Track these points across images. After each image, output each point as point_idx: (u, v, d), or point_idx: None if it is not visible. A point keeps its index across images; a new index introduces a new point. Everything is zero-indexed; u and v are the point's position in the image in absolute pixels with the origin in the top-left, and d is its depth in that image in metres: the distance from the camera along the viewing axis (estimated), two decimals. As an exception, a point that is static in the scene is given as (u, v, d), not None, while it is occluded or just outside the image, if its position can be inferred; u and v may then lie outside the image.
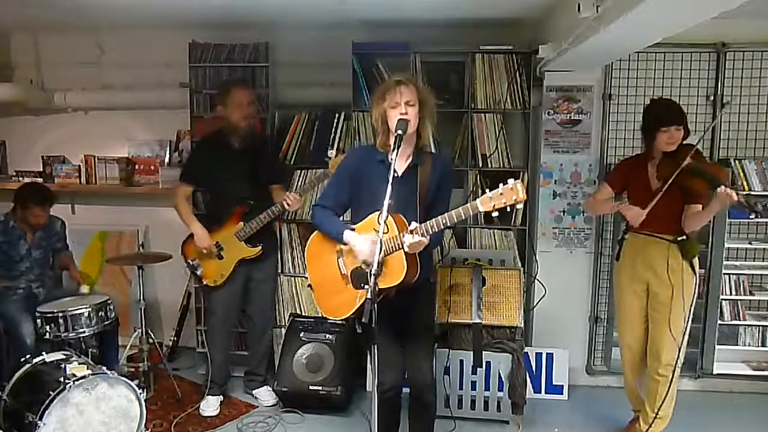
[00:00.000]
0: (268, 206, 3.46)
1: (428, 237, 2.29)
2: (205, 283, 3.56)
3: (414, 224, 2.29)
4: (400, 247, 2.32)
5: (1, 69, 4.48)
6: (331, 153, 3.49)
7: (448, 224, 2.29)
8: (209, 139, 3.64)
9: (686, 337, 2.96)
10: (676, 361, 2.95)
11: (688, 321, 2.94)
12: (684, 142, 2.90)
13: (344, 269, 2.53)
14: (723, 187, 2.65)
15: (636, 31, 2.51)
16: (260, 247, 3.53)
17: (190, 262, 3.55)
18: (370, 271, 2.09)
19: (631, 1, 2.09)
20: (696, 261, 2.96)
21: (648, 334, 3.10)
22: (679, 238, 2.93)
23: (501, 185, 2.18)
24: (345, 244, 2.49)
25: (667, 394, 2.97)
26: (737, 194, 2.61)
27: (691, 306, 2.94)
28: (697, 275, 2.95)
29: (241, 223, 3.48)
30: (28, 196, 3.63)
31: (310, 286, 2.68)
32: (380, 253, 2.16)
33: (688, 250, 2.93)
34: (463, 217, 2.27)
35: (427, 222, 2.30)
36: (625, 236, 3.16)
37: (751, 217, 2.67)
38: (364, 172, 2.55)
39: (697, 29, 2.44)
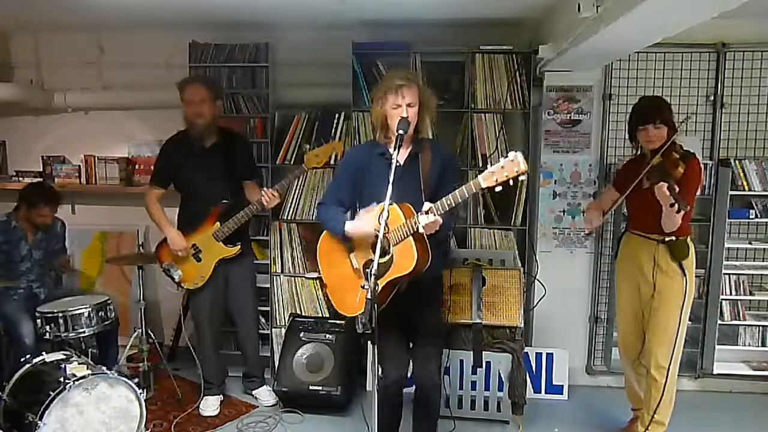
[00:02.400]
0: (244, 205, 3.40)
1: (441, 218, 2.30)
2: (185, 286, 3.50)
3: (428, 204, 2.29)
4: (409, 234, 2.33)
5: (1, 69, 4.48)
6: (306, 147, 3.44)
7: (453, 204, 2.29)
8: (175, 140, 3.56)
9: (678, 341, 2.90)
10: (669, 366, 2.90)
11: (680, 325, 2.89)
12: (675, 141, 2.86)
13: (356, 264, 2.54)
14: (661, 183, 2.64)
15: (636, 31, 2.51)
16: (239, 247, 3.47)
17: (165, 267, 3.46)
18: (371, 270, 2.09)
19: (631, 1, 2.09)
20: (689, 263, 2.90)
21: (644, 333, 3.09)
22: (667, 239, 2.89)
23: (501, 158, 2.18)
24: (349, 238, 2.51)
25: (661, 398, 2.92)
26: (667, 189, 2.61)
27: (682, 309, 2.88)
28: (689, 277, 2.88)
29: (218, 223, 3.41)
30: (38, 195, 3.64)
31: (324, 285, 2.68)
32: (387, 248, 2.18)
33: (678, 251, 2.88)
34: (467, 196, 2.28)
35: (437, 202, 2.31)
36: (623, 235, 3.17)
37: (674, 208, 2.64)
38: (366, 167, 2.58)
39: (697, 29, 2.44)
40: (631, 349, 3.19)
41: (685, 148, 2.89)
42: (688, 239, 2.93)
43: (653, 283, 2.94)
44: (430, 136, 3.60)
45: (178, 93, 3.44)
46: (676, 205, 2.59)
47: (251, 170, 3.66)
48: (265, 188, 3.35)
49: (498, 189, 2.20)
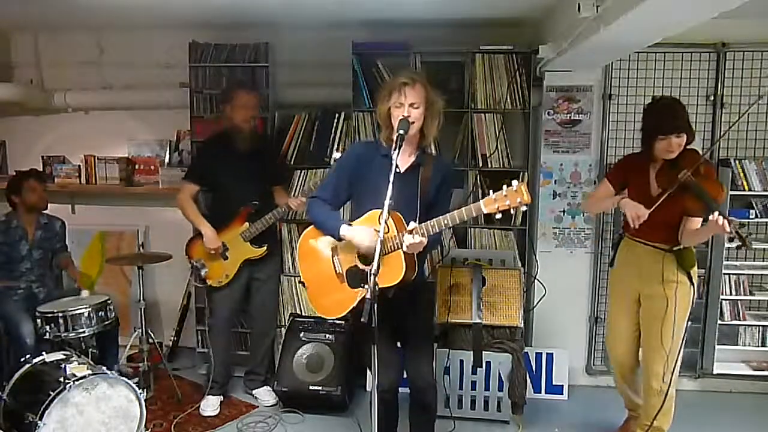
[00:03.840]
0: (272, 207, 3.49)
1: (427, 238, 2.28)
2: (209, 283, 3.55)
3: (413, 224, 2.27)
4: (399, 246, 2.31)
5: (1, 69, 4.48)
6: (337, 155, 3.48)
7: (450, 225, 2.27)
8: (214, 139, 3.64)
9: (681, 351, 2.82)
10: (672, 376, 2.81)
11: (685, 334, 2.80)
12: (688, 147, 2.73)
13: (339, 268, 2.51)
14: (718, 215, 2.46)
15: (636, 31, 2.51)
16: (265, 248, 3.54)
17: (195, 263, 3.54)
18: (370, 270, 2.07)
19: (631, 1, 2.09)
20: (695, 271, 2.83)
21: (639, 344, 3.01)
22: (675, 248, 2.79)
23: (505, 187, 2.15)
24: (341, 239, 2.46)
25: (661, 407, 2.84)
26: (730, 225, 2.44)
27: (686, 319, 2.80)
28: (695, 286, 2.81)
29: (247, 223, 3.49)
30: (19, 177, 3.70)
31: (302, 283, 2.62)
32: (380, 254, 2.13)
33: (687, 260, 2.78)
34: (465, 218, 2.26)
35: (428, 222, 2.29)
36: (620, 241, 3.05)
37: (738, 244, 2.49)
38: (366, 167, 2.53)
39: (697, 29, 2.44)
40: (626, 364, 3.09)
41: (700, 153, 2.76)
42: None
43: (662, 293, 2.81)
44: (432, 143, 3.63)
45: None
46: (742, 243, 2.44)
47: (282, 174, 3.79)
48: (293, 195, 3.48)
49: (498, 216, 2.18)
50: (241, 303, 3.68)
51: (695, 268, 2.84)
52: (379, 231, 2.18)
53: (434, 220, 2.28)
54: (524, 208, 2.16)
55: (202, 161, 3.66)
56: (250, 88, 3.70)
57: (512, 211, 2.17)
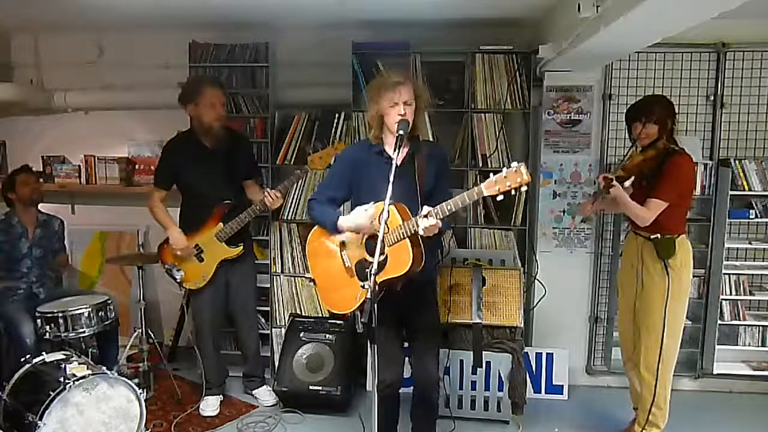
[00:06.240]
0: (246, 205, 3.42)
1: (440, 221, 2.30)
2: (186, 287, 3.49)
3: (427, 208, 2.29)
4: (406, 235, 2.32)
5: (1, 69, 4.48)
6: (309, 149, 3.46)
7: (453, 209, 2.29)
8: (179, 140, 3.55)
9: (667, 342, 2.86)
10: (658, 366, 2.86)
11: (665, 326, 2.84)
12: (677, 145, 2.89)
13: (348, 262, 2.54)
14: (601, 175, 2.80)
15: (636, 31, 2.51)
16: (241, 247, 3.48)
17: (167, 267, 3.45)
18: (370, 270, 2.09)
19: (631, 1, 2.09)
20: (677, 263, 2.85)
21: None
22: (652, 236, 2.89)
23: (505, 169, 2.18)
24: (341, 232, 2.51)
25: (654, 400, 2.89)
26: (604, 180, 2.77)
27: (666, 309, 2.84)
28: (673, 277, 2.84)
29: (221, 224, 3.41)
30: (12, 173, 3.74)
31: (313, 281, 2.67)
32: (382, 248, 2.15)
33: (662, 249, 2.85)
34: (468, 202, 2.29)
35: (437, 206, 2.31)
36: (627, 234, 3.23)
37: (597, 195, 2.85)
38: (363, 166, 2.58)
39: (697, 29, 2.44)
40: (625, 345, 3.21)
41: (675, 147, 2.87)
42: (680, 238, 2.89)
43: (641, 279, 2.96)
44: (429, 134, 3.64)
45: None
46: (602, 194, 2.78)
47: (252, 169, 3.67)
48: (268, 189, 3.34)
49: (499, 198, 2.19)
50: (223, 303, 3.61)
51: (677, 260, 2.86)
52: (382, 220, 2.19)
53: (443, 203, 2.29)
54: (525, 188, 2.16)
55: (167, 164, 3.51)
56: (218, 83, 3.50)
57: (513, 192, 2.17)
